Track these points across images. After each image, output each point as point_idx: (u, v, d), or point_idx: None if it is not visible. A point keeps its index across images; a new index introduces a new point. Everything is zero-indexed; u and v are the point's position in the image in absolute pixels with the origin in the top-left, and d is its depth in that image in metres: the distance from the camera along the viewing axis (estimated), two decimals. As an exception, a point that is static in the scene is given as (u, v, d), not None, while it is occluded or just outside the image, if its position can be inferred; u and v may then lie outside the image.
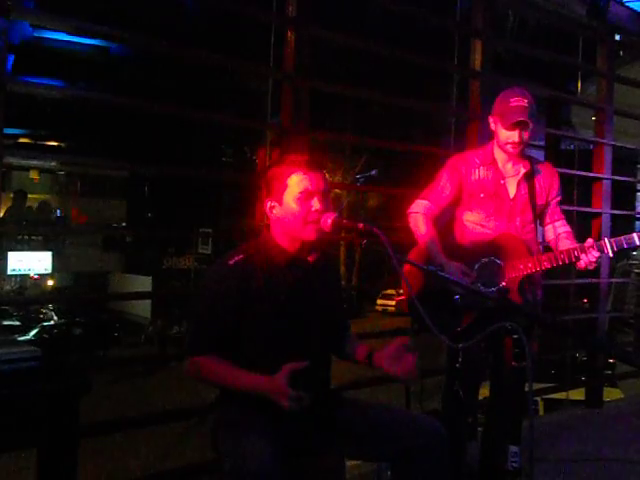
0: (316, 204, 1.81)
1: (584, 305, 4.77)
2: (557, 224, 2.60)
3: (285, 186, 1.83)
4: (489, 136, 2.66)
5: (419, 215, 2.54)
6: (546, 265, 2.39)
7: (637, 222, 7.47)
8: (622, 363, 5.26)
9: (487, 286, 2.41)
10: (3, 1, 2.24)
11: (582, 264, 2.37)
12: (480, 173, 2.54)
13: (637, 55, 6.24)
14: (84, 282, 21.10)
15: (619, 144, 4.62)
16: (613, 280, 6.45)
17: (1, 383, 1.56)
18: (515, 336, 1.73)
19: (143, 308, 19.24)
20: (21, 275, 19.53)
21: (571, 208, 4.08)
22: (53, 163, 20.49)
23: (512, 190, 2.54)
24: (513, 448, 1.83)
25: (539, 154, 4.95)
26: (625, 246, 2.35)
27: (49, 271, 20.26)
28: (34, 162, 20.38)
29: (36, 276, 20.04)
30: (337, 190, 15.76)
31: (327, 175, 1.95)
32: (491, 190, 2.53)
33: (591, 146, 4.68)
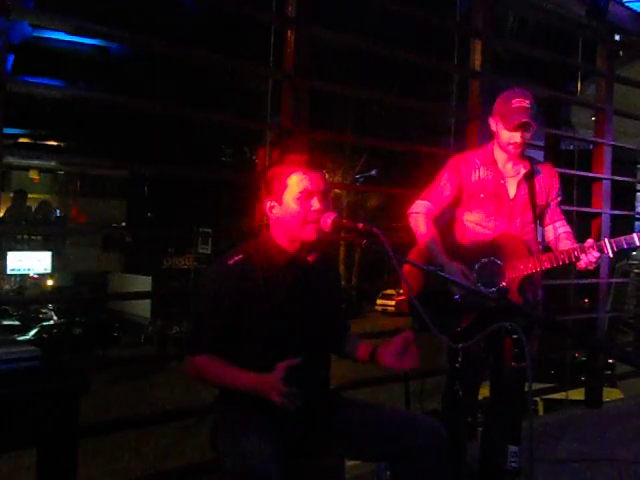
0: (316, 204, 1.81)
1: (584, 305, 4.77)
2: (557, 224, 2.60)
3: (285, 186, 1.83)
4: (489, 136, 2.66)
5: (419, 215, 2.54)
6: (546, 265, 2.39)
7: (637, 222, 7.47)
8: (622, 363, 5.25)
9: (487, 286, 2.41)
10: (3, 1, 2.24)
11: (582, 264, 2.37)
12: (480, 173, 2.54)
13: (637, 55, 6.24)
14: (84, 282, 21.10)
15: (619, 144, 4.62)
16: (613, 280, 6.45)
17: (0, 383, 1.56)
18: (515, 336, 1.73)
19: (143, 308, 19.24)
20: (21, 275, 19.54)
21: (571, 208, 4.08)
22: (53, 163, 20.47)
23: (512, 190, 2.54)
24: (513, 448, 1.83)
25: (539, 154, 4.95)
26: (625, 246, 2.34)
27: (49, 271, 20.27)
28: (34, 162, 20.37)
29: (36, 276, 20.04)
30: (337, 190, 15.76)
31: (327, 175, 1.95)
32: (491, 190, 2.53)
33: (591, 146, 4.68)
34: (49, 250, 20.29)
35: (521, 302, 2.40)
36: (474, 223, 2.54)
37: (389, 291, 22.00)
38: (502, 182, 2.54)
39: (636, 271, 9.55)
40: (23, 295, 18.71)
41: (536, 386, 4.38)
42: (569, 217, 2.81)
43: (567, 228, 2.60)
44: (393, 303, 21.85)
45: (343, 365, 2.07)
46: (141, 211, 22.98)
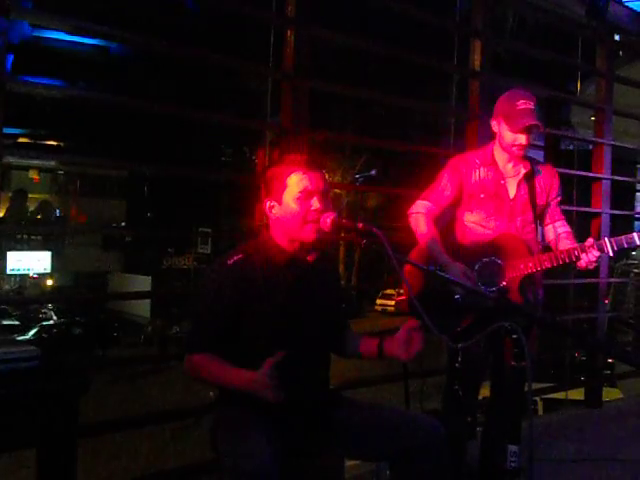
0: (315, 204, 1.81)
1: (584, 305, 4.77)
2: (557, 224, 2.60)
3: (285, 186, 1.83)
4: (489, 136, 2.66)
5: (420, 215, 2.54)
6: (547, 265, 2.39)
7: (636, 222, 7.47)
8: (621, 363, 5.26)
9: (488, 286, 2.41)
10: (2, 1, 2.24)
11: (582, 264, 2.37)
12: (480, 174, 2.54)
13: (637, 55, 6.24)
14: (83, 282, 21.11)
15: (619, 144, 4.62)
16: (612, 280, 6.45)
17: (0, 383, 1.56)
18: (514, 336, 1.73)
19: (142, 308, 19.26)
20: (20, 275, 19.54)
21: (571, 208, 4.08)
22: (53, 163, 20.48)
23: (512, 190, 2.54)
24: (512, 448, 1.83)
25: (538, 154, 4.95)
26: (625, 246, 2.34)
27: (48, 271, 20.28)
28: (34, 162, 20.38)
29: (35, 276, 20.05)
30: (337, 190, 15.77)
31: (327, 175, 1.95)
32: (491, 190, 2.53)
33: (590, 146, 4.68)
34: (49, 250, 20.31)
35: (522, 302, 2.40)
36: (474, 223, 2.54)
37: (389, 291, 22.02)
38: (502, 182, 2.54)
39: (635, 271, 9.56)
40: (23, 295, 18.72)
41: (536, 386, 4.38)
42: (569, 217, 2.81)
43: (567, 228, 2.60)
44: (393, 303, 21.87)
45: (343, 365, 2.07)
46: (141, 211, 22.99)
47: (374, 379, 3.71)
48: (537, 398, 5.79)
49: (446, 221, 2.63)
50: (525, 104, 2.40)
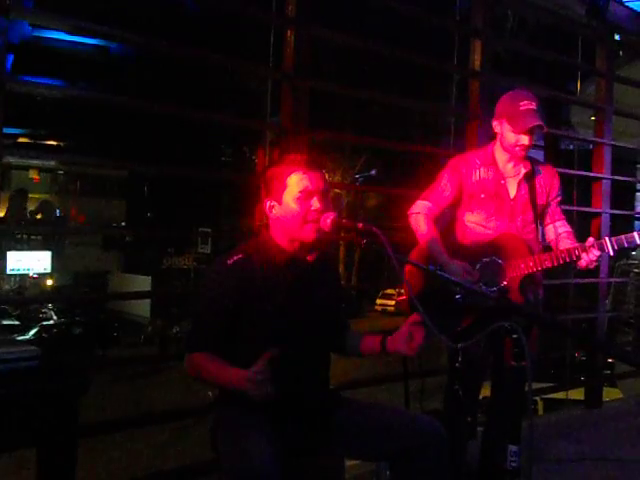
0: (315, 204, 1.81)
1: (584, 305, 4.78)
2: (557, 224, 2.60)
3: (285, 186, 1.83)
4: (489, 136, 2.66)
5: (420, 215, 2.54)
6: (547, 264, 2.39)
7: (636, 222, 7.47)
8: (621, 363, 5.26)
9: (488, 285, 2.42)
10: (2, 0, 2.24)
11: (583, 263, 2.37)
12: (480, 174, 2.54)
13: (637, 55, 6.24)
14: (83, 282, 21.12)
15: (619, 144, 4.62)
16: (612, 280, 6.45)
17: (0, 383, 1.56)
18: (514, 336, 1.73)
19: (142, 308, 19.26)
20: (20, 275, 19.55)
21: (571, 208, 4.08)
22: (52, 163, 20.48)
23: (512, 190, 2.54)
24: (512, 447, 1.83)
25: (538, 154, 4.94)
26: (626, 245, 2.34)
27: (48, 270, 20.29)
28: (34, 162, 20.38)
29: (35, 275, 20.05)
30: (337, 190, 15.77)
31: (327, 175, 1.95)
32: (492, 190, 2.53)
33: (590, 146, 4.68)
34: (49, 250, 20.31)
35: (522, 301, 2.40)
36: (475, 223, 2.55)
37: (389, 291, 22.02)
38: (502, 182, 2.54)
39: (635, 270, 9.56)
40: (23, 295, 18.72)
41: (536, 386, 4.38)
42: (569, 217, 2.80)
43: (567, 228, 2.60)
44: (393, 303, 21.87)
45: (343, 365, 2.07)
46: (141, 211, 23.00)
47: (374, 379, 3.71)
48: (537, 398, 5.80)
49: (446, 221, 2.63)
50: (528, 105, 2.40)
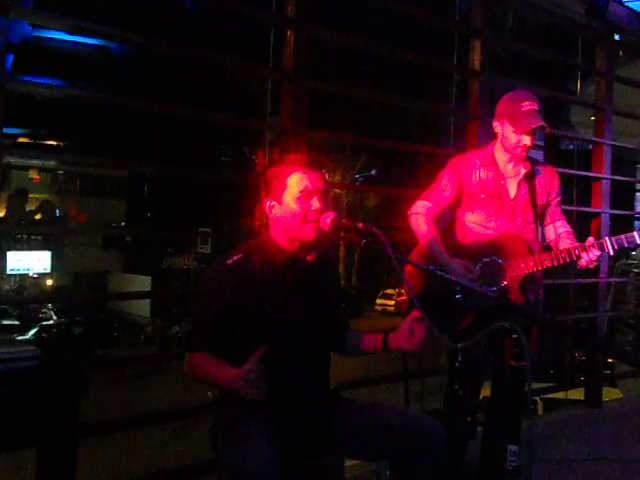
0: (315, 203, 1.81)
1: (584, 305, 4.78)
2: (557, 224, 2.60)
3: (285, 186, 1.83)
4: (489, 136, 2.66)
5: (420, 215, 2.54)
6: (547, 264, 2.39)
7: (636, 222, 7.47)
8: (621, 363, 5.26)
9: (489, 285, 2.42)
10: (2, 0, 2.24)
11: (583, 263, 2.37)
12: (480, 174, 2.55)
13: (637, 55, 6.24)
14: (83, 282, 21.12)
15: (618, 144, 4.62)
16: (612, 280, 6.45)
17: (0, 383, 1.56)
18: (514, 336, 1.73)
19: (142, 308, 19.26)
20: (20, 275, 19.54)
21: (571, 208, 4.08)
22: (52, 163, 20.48)
23: (512, 191, 2.54)
24: (512, 447, 1.83)
25: (538, 154, 4.95)
26: (626, 244, 2.34)
27: (48, 270, 20.28)
28: (34, 162, 20.38)
29: (35, 275, 20.04)
30: (337, 190, 15.77)
31: (326, 175, 1.96)
32: (492, 191, 2.53)
33: (590, 146, 4.68)
34: (49, 250, 20.30)
35: (523, 301, 2.40)
36: (475, 223, 2.55)
37: (389, 291, 22.02)
38: (502, 182, 2.54)
39: (635, 270, 9.55)
40: (23, 295, 18.71)
41: (536, 386, 4.38)
42: (569, 217, 2.81)
43: (567, 228, 2.60)
44: (393, 303, 21.85)
45: (343, 365, 2.08)
46: (141, 211, 22.99)
47: (374, 379, 3.71)
48: (537, 398, 5.79)
49: (446, 221, 2.63)
50: (530, 105, 2.40)
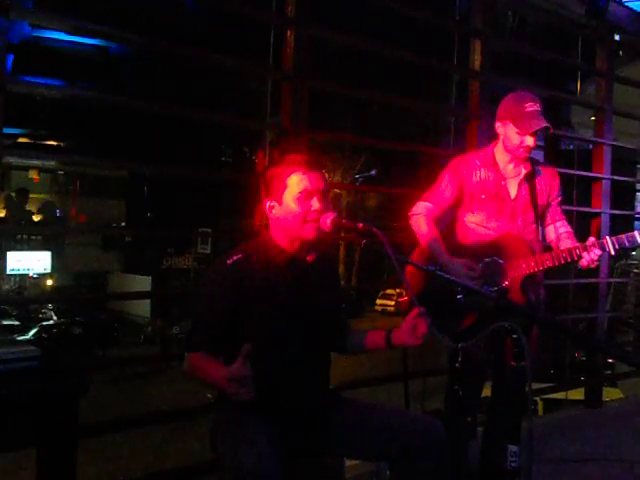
0: (315, 204, 1.81)
1: (584, 305, 4.78)
2: (558, 224, 2.60)
3: (285, 186, 1.83)
4: (489, 136, 2.66)
5: (420, 216, 2.54)
6: (548, 264, 2.39)
7: (636, 222, 7.47)
8: (621, 363, 5.26)
9: (490, 286, 2.42)
10: (2, 0, 2.24)
11: (584, 262, 2.37)
12: (481, 174, 2.55)
13: (637, 55, 6.24)
14: (83, 282, 21.09)
15: (619, 144, 4.62)
16: (612, 280, 6.45)
17: (0, 383, 1.56)
18: (514, 336, 1.73)
19: (142, 308, 19.24)
20: (20, 275, 19.52)
21: (571, 208, 4.08)
22: (52, 163, 20.48)
23: (513, 191, 2.54)
24: (512, 447, 1.83)
25: (539, 154, 4.95)
26: (627, 244, 2.35)
27: (48, 271, 20.25)
28: (34, 162, 20.36)
29: (35, 275, 20.03)
30: (337, 190, 15.76)
31: (326, 175, 1.96)
32: (492, 191, 2.53)
33: (590, 146, 4.68)
34: (49, 250, 20.28)
35: (524, 301, 2.40)
36: (476, 224, 2.55)
37: (389, 291, 21.98)
38: (503, 183, 2.54)
39: (635, 271, 9.56)
40: (23, 295, 18.69)
41: (536, 386, 4.38)
42: (569, 217, 2.81)
43: (568, 228, 2.60)
44: (393, 303, 21.82)
45: (343, 365, 2.07)
46: (141, 211, 22.96)
47: (374, 379, 3.71)
48: (537, 398, 5.78)
49: (447, 222, 2.63)
50: (533, 106, 2.41)
